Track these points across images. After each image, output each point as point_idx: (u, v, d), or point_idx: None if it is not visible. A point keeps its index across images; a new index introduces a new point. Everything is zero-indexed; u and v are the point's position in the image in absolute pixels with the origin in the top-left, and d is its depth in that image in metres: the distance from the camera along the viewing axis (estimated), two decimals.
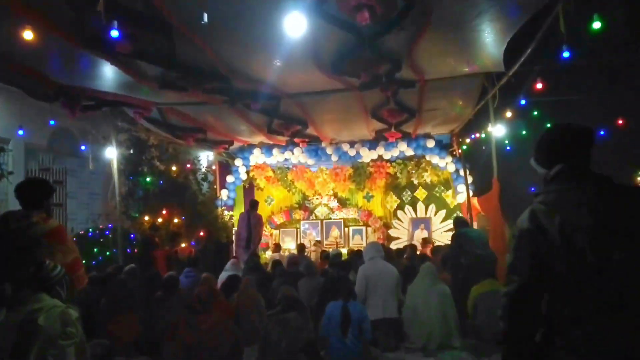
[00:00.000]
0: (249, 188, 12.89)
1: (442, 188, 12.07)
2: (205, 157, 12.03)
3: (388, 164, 12.11)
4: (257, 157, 11.81)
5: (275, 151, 11.56)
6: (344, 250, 11.75)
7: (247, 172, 12.40)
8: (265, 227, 12.72)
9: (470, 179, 10.87)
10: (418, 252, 9.76)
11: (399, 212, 12.42)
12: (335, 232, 12.67)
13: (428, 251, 9.08)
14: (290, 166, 12.62)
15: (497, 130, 7.97)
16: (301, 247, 9.80)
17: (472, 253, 6.33)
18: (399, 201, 12.48)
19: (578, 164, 1.97)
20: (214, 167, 11.98)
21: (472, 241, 6.55)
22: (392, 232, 12.36)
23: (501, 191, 8.13)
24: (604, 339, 1.69)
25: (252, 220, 9.14)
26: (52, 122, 7.90)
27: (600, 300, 1.70)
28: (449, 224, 11.69)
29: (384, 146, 11.17)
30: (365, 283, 5.79)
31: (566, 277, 1.77)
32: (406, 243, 11.51)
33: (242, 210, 10.89)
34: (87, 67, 5.80)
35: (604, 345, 1.69)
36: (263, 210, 12.79)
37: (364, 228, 12.56)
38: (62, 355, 2.28)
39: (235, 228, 10.98)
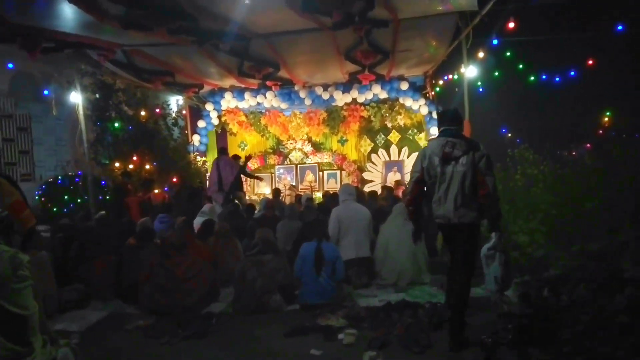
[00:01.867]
0: (222, 133, 12.68)
1: (415, 131, 12.08)
2: (175, 102, 11.73)
3: (362, 108, 11.95)
4: (228, 101, 11.54)
5: (247, 95, 11.32)
6: (319, 194, 11.89)
7: (219, 117, 12.16)
8: None
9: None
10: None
11: (373, 156, 12.43)
12: (309, 177, 12.72)
13: (400, 193, 9.17)
14: (263, 110, 12.45)
15: (470, 72, 7.92)
16: (276, 192, 9.78)
17: None
18: (372, 144, 12.48)
19: (449, 127, 4.01)
20: (184, 112, 11.71)
21: None
22: (366, 175, 12.43)
23: (472, 132, 8.21)
24: (444, 201, 3.91)
25: (220, 164, 9.19)
26: (10, 65, 7.50)
27: (443, 185, 3.88)
28: None
29: (357, 89, 11.03)
30: (339, 224, 5.88)
31: (430, 176, 3.96)
32: (379, 185, 11.69)
33: (215, 155, 10.81)
34: (44, 6, 5.46)
35: (443, 204, 3.94)
36: None
37: (338, 172, 12.64)
38: (18, 298, 2.28)
39: (209, 173, 10.95)
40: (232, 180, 9.25)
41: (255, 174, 11.90)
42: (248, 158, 10.68)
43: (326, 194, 9.97)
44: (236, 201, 9.04)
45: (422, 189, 4.07)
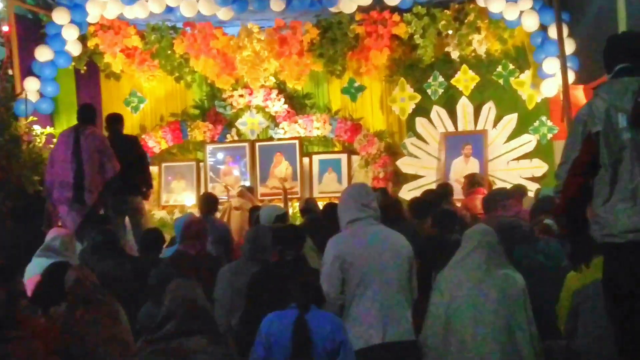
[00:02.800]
0: (89, 74, 12.75)
1: (511, 67, 12.29)
2: None
3: (395, 17, 12.12)
4: (102, 4, 11.54)
5: None
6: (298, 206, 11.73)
7: (83, 39, 12.16)
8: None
9: (571, 46, 11.07)
10: (458, 205, 10.02)
11: (419, 121, 12.63)
12: (282, 167, 12.88)
13: (478, 203, 9.27)
14: (180, 25, 12.52)
15: None
16: (209, 202, 9.74)
17: None
18: (418, 97, 12.66)
19: (634, 64, 4.45)
20: (5, 30, 11.68)
21: None
22: (404, 165, 12.60)
23: None
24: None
25: (83, 146, 9.01)
26: None
27: (638, 168, 4.26)
28: (526, 142, 12.16)
29: None
30: (342, 273, 5.76)
31: (611, 151, 4.33)
32: (433, 185, 11.70)
33: (73, 121, 10.40)
34: None
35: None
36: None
37: (343, 157, 12.88)
38: None
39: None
40: (110, 177, 9.13)
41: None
42: None
43: (307, 205, 10.05)
44: (128, 220, 9.07)
45: (587, 182, 4.52)
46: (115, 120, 10.14)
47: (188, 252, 7.26)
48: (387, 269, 5.80)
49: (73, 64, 12.39)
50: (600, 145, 4.37)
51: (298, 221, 10.50)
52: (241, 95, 13.01)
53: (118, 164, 9.10)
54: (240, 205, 11.26)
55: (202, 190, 12.41)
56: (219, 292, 6.52)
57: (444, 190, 9.90)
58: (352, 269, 5.76)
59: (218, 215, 10.44)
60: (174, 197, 12.77)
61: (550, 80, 11.56)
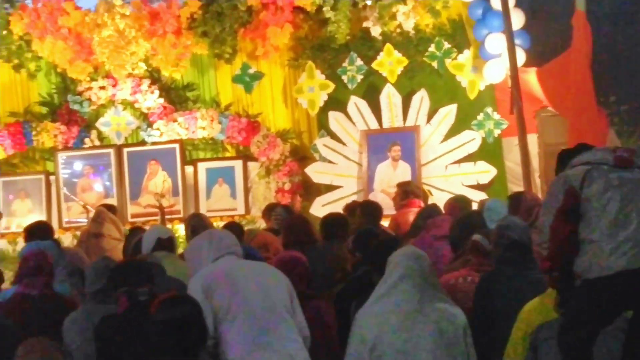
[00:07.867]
0: None
1: (447, 46, 12.00)
2: None
3: None
4: None
5: None
6: (181, 229, 11.54)
7: None
8: None
9: (519, 19, 10.94)
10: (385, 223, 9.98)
11: (334, 116, 12.21)
12: (158, 180, 12.45)
13: (411, 218, 9.15)
14: None
15: None
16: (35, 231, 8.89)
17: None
18: (331, 86, 12.26)
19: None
20: None
21: None
22: (316, 173, 12.27)
23: (595, 51, 9.53)
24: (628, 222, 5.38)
25: None
26: None
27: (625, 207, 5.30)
28: (468, 141, 11.84)
29: None
30: (209, 302, 5.76)
31: (596, 187, 5.34)
32: (354, 199, 11.54)
33: None
34: None
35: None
36: None
37: (238, 164, 12.58)
38: None
39: None
40: None
41: None
42: None
43: (191, 222, 9.70)
44: None
45: (575, 229, 5.01)
46: None
47: (28, 293, 6.84)
48: (254, 300, 5.93)
49: None
50: (583, 188, 5.00)
51: (182, 248, 10.26)
52: (102, 88, 12.52)
53: None
54: (102, 231, 10.51)
55: (54, 212, 12.17)
56: (71, 345, 6.15)
57: (376, 209, 9.29)
58: (216, 297, 5.86)
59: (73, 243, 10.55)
60: (17, 222, 11.93)
61: (495, 61, 11.32)
